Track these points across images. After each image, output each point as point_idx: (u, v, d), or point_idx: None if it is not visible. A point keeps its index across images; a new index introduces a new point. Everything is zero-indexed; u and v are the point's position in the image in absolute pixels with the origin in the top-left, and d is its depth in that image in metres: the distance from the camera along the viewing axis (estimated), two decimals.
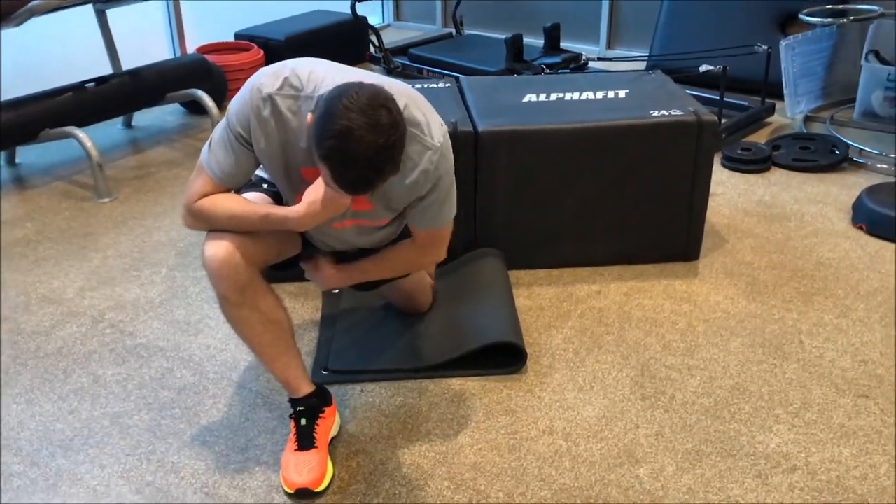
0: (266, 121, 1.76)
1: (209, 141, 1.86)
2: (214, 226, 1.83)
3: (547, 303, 2.66)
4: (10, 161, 3.77)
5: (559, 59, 4.50)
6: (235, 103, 1.80)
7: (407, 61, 4.92)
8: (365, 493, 1.91)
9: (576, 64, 4.55)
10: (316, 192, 1.75)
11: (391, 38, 5.49)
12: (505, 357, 2.33)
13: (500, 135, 2.68)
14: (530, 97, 2.91)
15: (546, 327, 2.53)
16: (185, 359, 2.39)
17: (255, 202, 1.87)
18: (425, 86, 3.04)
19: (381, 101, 1.59)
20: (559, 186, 2.74)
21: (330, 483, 1.93)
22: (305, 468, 1.90)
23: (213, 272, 1.79)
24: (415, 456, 2.02)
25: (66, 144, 3.76)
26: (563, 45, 4.74)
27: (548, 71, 4.38)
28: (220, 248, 1.79)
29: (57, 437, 2.10)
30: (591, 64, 4.61)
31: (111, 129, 4.15)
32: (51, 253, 3.00)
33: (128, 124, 4.23)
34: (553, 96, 2.92)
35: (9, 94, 3.53)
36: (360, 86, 1.60)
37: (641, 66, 4.67)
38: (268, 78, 1.77)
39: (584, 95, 2.93)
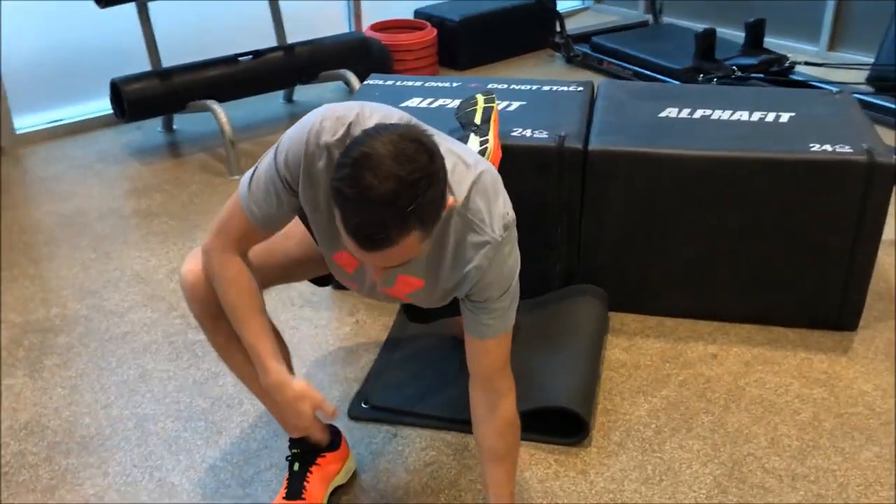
0: (318, 174, 1.43)
1: (252, 172, 1.51)
2: (217, 293, 1.56)
3: (647, 360, 2.25)
4: (168, 127, 3.86)
5: (756, 61, 3.91)
6: (290, 141, 1.47)
7: (588, 50, 4.52)
8: None
9: (778, 67, 3.94)
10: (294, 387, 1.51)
11: (585, 22, 5.09)
12: (567, 423, 1.98)
13: (613, 156, 2.28)
14: (670, 112, 2.47)
15: (634, 392, 2.13)
16: None
17: (263, 322, 1.56)
18: (553, 88, 2.67)
19: (415, 136, 1.27)
20: (682, 222, 2.30)
21: None
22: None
23: (185, 292, 1.59)
24: None
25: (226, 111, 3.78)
26: (770, 42, 4.13)
27: (738, 73, 3.82)
28: (197, 265, 1.59)
29: (79, 433, 2.04)
30: (798, 68, 3.97)
31: (272, 102, 4.14)
32: (163, 228, 2.99)
33: (289, 99, 4.21)
34: (698, 113, 2.46)
35: (172, 61, 3.59)
36: (397, 125, 1.32)
37: (861, 75, 3.95)
38: (331, 122, 1.43)
39: (737, 115, 2.44)
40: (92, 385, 2.20)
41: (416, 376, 2.16)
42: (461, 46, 4.55)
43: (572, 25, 4.80)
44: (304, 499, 1.73)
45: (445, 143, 1.45)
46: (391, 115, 1.46)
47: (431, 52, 4.50)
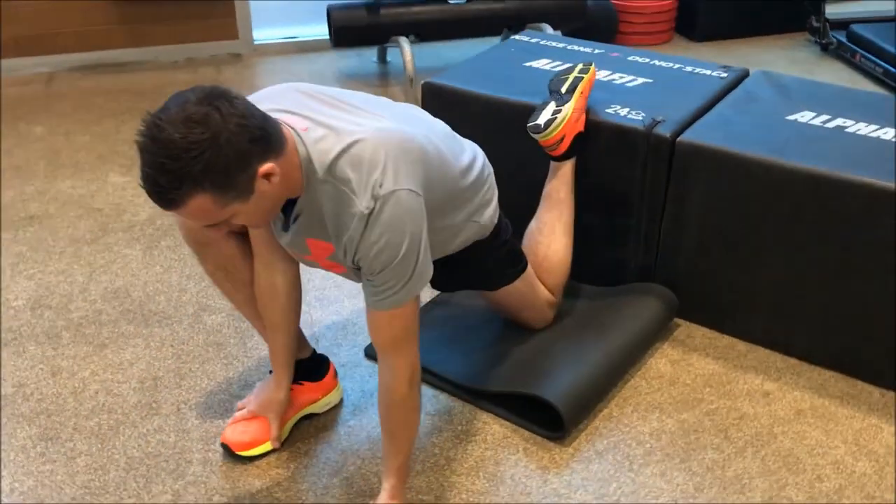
0: None
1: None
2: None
3: (688, 379, 2.05)
4: (381, 58, 4.08)
5: None
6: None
7: (843, 39, 3.99)
8: (288, 485, 1.77)
9: None
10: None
11: (853, 8, 4.45)
12: (557, 418, 1.89)
13: (700, 151, 2.06)
14: (802, 116, 2.16)
15: (651, 407, 1.97)
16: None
17: None
18: (693, 70, 2.43)
19: (214, 100, 1.29)
20: (772, 241, 2.03)
21: (263, 455, 1.83)
22: (241, 428, 1.83)
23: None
24: (370, 469, 1.79)
25: (434, 51, 3.89)
26: None
27: None
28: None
29: (149, 307, 2.32)
30: None
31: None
32: None
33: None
34: (835, 122, 2.12)
35: None
36: (205, 90, 1.33)
37: None
38: None
39: (882, 132, 2.07)
40: (182, 270, 2.48)
41: (447, 338, 2.16)
42: (703, 14, 4.24)
43: (840, 9, 4.26)
44: (260, 416, 1.84)
45: (320, 116, 1.47)
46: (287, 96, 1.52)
47: (667, 17, 4.25)
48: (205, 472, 1.79)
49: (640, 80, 2.38)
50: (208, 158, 1.28)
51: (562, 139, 2.09)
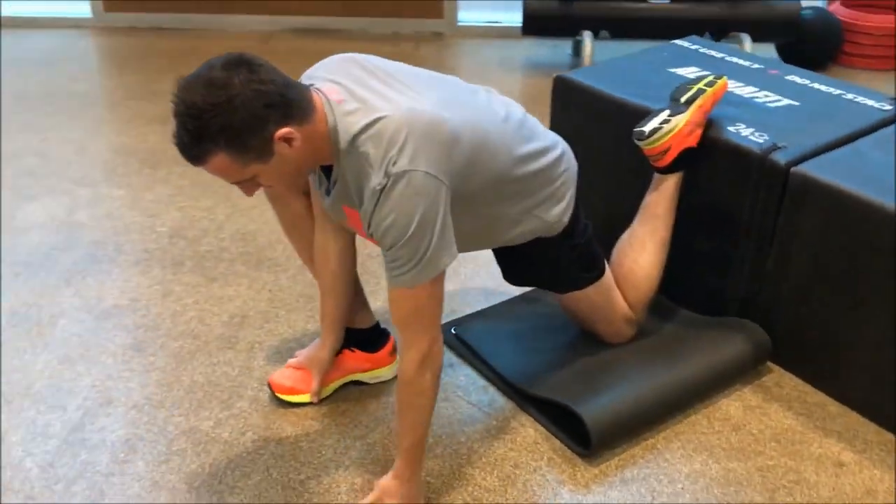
0: None
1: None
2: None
3: (754, 429, 1.88)
4: (576, 51, 4.02)
5: None
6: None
7: None
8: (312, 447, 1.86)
9: None
10: None
11: None
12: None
13: (814, 186, 1.86)
14: None
15: (699, 448, 1.82)
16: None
17: None
18: (853, 98, 2.19)
19: (239, 65, 1.38)
20: (880, 295, 1.80)
21: (301, 405, 1.92)
22: (287, 373, 1.95)
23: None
24: (393, 441, 1.83)
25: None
26: None
27: None
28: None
29: (202, 248, 2.50)
30: None
31: None
32: None
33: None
34: None
35: None
36: (238, 55, 1.41)
37: None
38: None
39: None
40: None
41: (515, 334, 2.13)
42: None
43: None
44: (309, 370, 1.93)
45: (360, 90, 1.51)
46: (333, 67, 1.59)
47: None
48: (249, 408, 1.93)
49: (785, 102, 2.19)
50: (224, 119, 1.36)
51: (666, 151, 1.98)
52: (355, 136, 1.47)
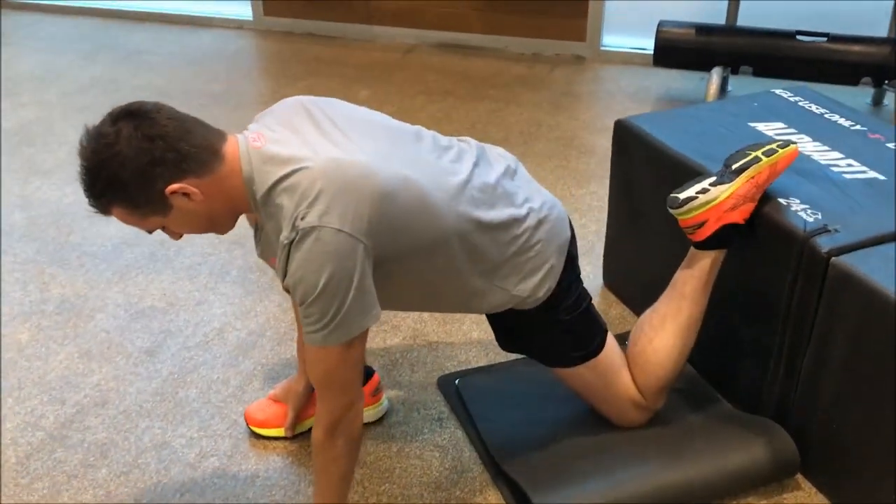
0: None
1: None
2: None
3: None
4: (723, 85, 3.69)
5: None
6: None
7: None
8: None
9: None
10: None
11: None
12: None
13: (853, 282, 1.55)
14: None
15: None
16: None
17: None
18: None
19: (126, 118, 1.35)
20: None
21: (271, 438, 1.89)
22: (262, 406, 1.92)
23: None
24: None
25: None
26: None
27: None
28: None
29: None
30: None
31: (857, 97, 3.54)
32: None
33: (877, 101, 3.53)
34: None
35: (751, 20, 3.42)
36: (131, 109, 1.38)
37: None
38: None
39: None
40: None
41: (515, 399, 1.95)
42: None
43: None
44: (285, 404, 1.90)
45: (289, 137, 1.43)
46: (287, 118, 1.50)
47: None
48: (224, 432, 1.91)
49: (870, 175, 1.86)
50: (107, 177, 1.35)
51: (701, 225, 1.73)
52: (271, 188, 1.39)
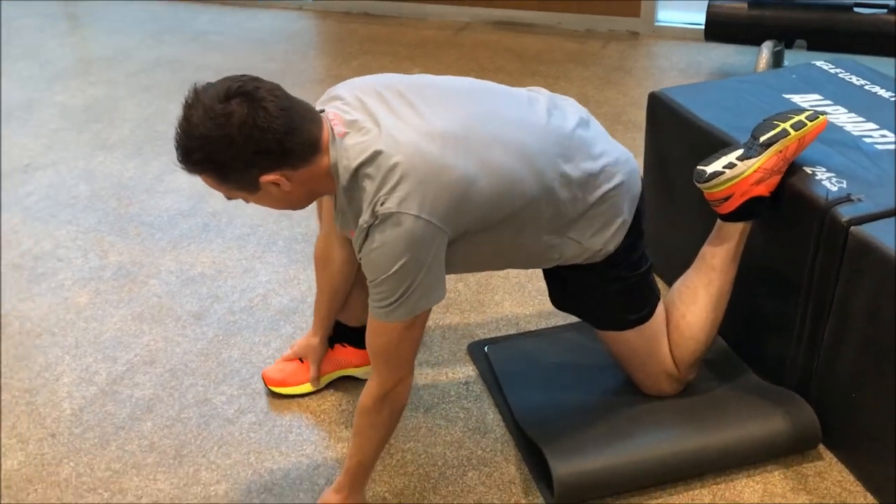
0: None
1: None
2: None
3: None
4: (777, 61, 3.62)
5: None
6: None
7: None
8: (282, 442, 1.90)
9: None
10: None
11: None
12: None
13: (871, 250, 1.56)
14: None
15: None
16: None
17: None
18: None
19: (237, 99, 1.36)
20: None
21: (289, 397, 1.98)
22: (278, 367, 2.02)
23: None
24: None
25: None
26: None
27: None
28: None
29: None
30: None
31: None
32: None
33: None
34: None
35: None
36: (239, 83, 1.39)
37: None
38: None
39: None
40: None
41: (545, 364, 2.00)
42: None
43: None
44: (302, 362, 1.99)
45: (366, 121, 1.46)
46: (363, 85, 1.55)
47: None
48: (262, 392, 2.01)
49: None
50: (209, 152, 1.38)
51: (727, 198, 1.74)
52: (354, 172, 1.44)
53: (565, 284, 1.77)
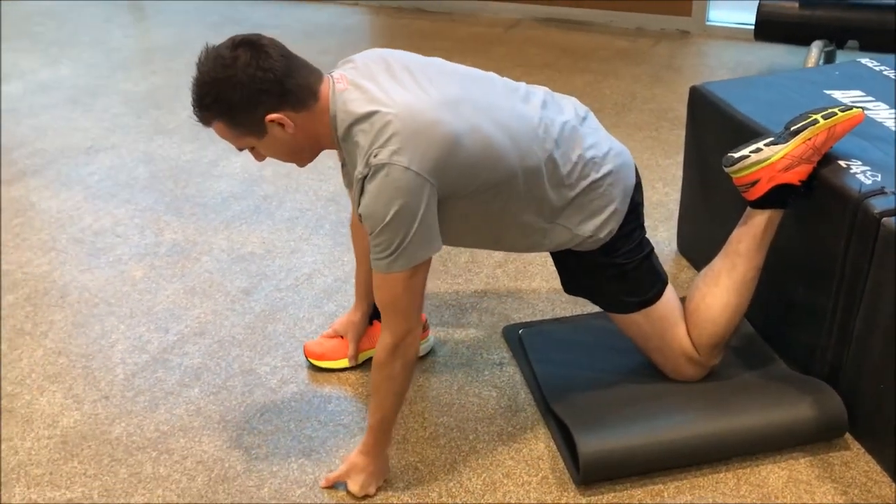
0: None
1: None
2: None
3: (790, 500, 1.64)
4: (828, 61, 3.60)
5: None
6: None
7: None
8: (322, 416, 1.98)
9: None
10: None
11: None
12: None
13: None
14: None
15: None
16: None
17: None
18: None
19: (247, 47, 1.51)
20: None
21: (329, 370, 2.06)
22: (319, 341, 2.10)
23: None
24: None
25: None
26: None
27: None
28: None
29: None
30: None
31: None
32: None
33: None
34: None
35: None
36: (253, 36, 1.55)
37: None
38: None
39: None
40: None
41: (574, 346, 2.05)
42: None
43: None
44: (342, 338, 2.07)
45: (368, 83, 1.56)
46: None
47: None
48: (304, 364, 2.09)
49: None
50: (217, 94, 1.52)
51: (754, 183, 1.77)
52: (350, 126, 1.55)
53: (570, 269, 1.85)
